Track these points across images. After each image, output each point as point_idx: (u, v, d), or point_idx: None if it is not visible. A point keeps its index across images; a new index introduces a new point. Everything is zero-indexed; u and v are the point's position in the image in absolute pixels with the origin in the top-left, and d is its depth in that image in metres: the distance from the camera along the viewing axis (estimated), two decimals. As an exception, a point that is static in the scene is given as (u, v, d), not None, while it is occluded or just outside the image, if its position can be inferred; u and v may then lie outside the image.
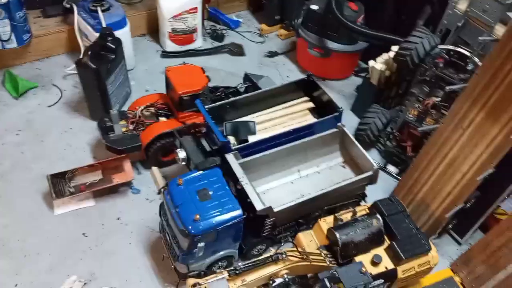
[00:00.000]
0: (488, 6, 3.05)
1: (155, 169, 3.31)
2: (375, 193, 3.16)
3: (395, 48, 3.54)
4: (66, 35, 4.12)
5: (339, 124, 3.06)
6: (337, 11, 3.70)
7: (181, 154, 2.97)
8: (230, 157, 2.75)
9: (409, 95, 3.39)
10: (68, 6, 3.96)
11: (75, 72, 3.65)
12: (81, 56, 3.74)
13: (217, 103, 3.15)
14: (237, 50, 4.46)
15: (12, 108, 3.70)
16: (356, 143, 3.00)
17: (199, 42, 4.44)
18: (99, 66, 3.33)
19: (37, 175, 3.23)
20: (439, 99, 3.17)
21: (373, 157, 3.26)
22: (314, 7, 4.02)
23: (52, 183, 3.04)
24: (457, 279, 2.74)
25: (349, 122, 3.76)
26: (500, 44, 2.52)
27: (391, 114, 3.62)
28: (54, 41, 4.12)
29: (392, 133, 3.55)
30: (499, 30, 3.01)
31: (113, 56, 3.47)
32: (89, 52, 3.36)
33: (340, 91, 4.21)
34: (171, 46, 4.34)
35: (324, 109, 3.24)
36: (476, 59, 3.05)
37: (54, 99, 3.80)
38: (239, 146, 2.89)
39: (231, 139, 3.05)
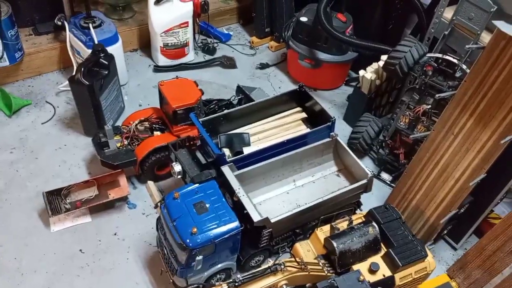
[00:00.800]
0: (473, 14, 3.12)
1: (150, 183, 3.32)
2: (370, 201, 3.20)
3: (384, 57, 3.60)
4: (58, 52, 4.13)
5: (332, 133, 3.09)
6: (326, 23, 3.76)
7: (177, 167, 2.98)
8: (225, 169, 2.77)
9: (399, 103, 3.44)
10: (59, 23, 3.97)
11: (68, 88, 3.66)
12: (74, 73, 3.76)
13: (211, 116, 3.18)
14: (228, 63, 4.50)
15: (5, 126, 3.69)
16: (350, 152, 3.03)
17: (191, 56, 4.48)
18: (92, 82, 3.35)
19: (32, 192, 3.22)
20: (429, 106, 3.22)
21: (366, 165, 3.31)
22: (303, 19, 4.08)
23: (47, 200, 3.04)
24: (454, 284, 2.76)
25: (342, 131, 3.81)
26: (486, 52, 2.58)
27: (383, 122, 3.67)
28: (46, 59, 4.13)
29: (384, 141, 3.59)
30: (485, 37, 3.08)
31: (106, 72, 3.49)
32: (82, 69, 3.37)
33: (332, 101, 4.26)
34: (163, 61, 4.37)
35: (317, 119, 3.28)
36: (464, 66, 3.11)
37: (48, 116, 3.80)
38: (234, 158, 2.91)
39: (226, 151, 3.08)
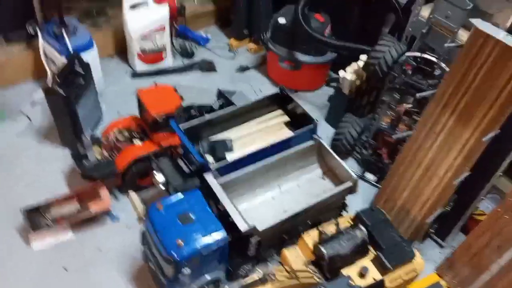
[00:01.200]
0: (450, 12, 3.13)
1: (133, 194, 3.23)
2: (355, 201, 3.19)
3: (363, 57, 3.60)
4: (32, 60, 4.00)
5: (315, 136, 3.08)
6: (305, 24, 3.74)
7: (159, 178, 2.90)
8: (209, 177, 2.72)
9: (380, 103, 3.44)
10: (32, 31, 3.85)
11: (43, 98, 3.55)
12: (48, 82, 3.66)
13: (192, 123, 3.11)
14: (208, 67, 4.43)
15: (-21, 140, 3.57)
16: (333, 154, 3.02)
17: (169, 60, 4.40)
18: (68, 92, 3.25)
19: (11, 208, 3.09)
20: (410, 105, 3.23)
21: (350, 166, 3.28)
22: (281, 20, 4.04)
23: (28, 217, 2.94)
24: (443, 283, 2.78)
25: (325, 132, 3.79)
26: (464, 50, 2.60)
27: (365, 122, 3.66)
28: (19, 68, 4.00)
29: (367, 141, 3.59)
30: (463, 35, 3.10)
31: (82, 81, 3.40)
32: (57, 79, 3.27)
33: (313, 102, 4.22)
34: (141, 66, 4.28)
35: (299, 121, 3.25)
36: (442, 65, 3.13)
37: (23, 127, 3.67)
38: (217, 165, 2.86)
39: (209, 158, 3.03)
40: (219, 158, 3.03)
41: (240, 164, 2.89)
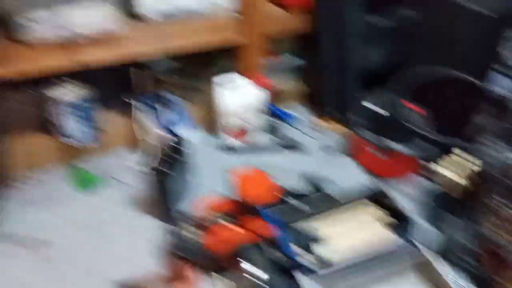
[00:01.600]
0: None
1: (218, 279, 3.18)
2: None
3: (459, 152, 3.46)
4: (129, 130, 4.21)
5: (415, 242, 2.93)
6: (403, 119, 3.68)
7: (254, 270, 2.85)
8: (306, 282, 2.64)
9: (483, 207, 3.23)
10: (130, 102, 4.09)
11: (138, 168, 3.67)
12: (140, 152, 3.82)
13: (286, 212, 3.09)
14: (295, 146, 4.44)
15: (76, 204, 3.68)
16: (436, 266, 2.83)
17: (260, 138, 4.45)
18: (168, 169, 3.36)
19: (100, 281, 3.06)
20: (518, 214, 3.01)
21: (455, 279, 2.98)
22: (371, 106, 4.00)
23: (119, 295, 2.97)
24: None
25: (423, 233, 3.51)
26: None
27: (471, 228, 3.27)
28: (115, 135, 4.21)
29: (475, 251, 3.28)
30: None
31: (181, 158, 3.52)
32: (158, 155, 3.41)
33: (406, 193, 4.04)
34: (233, 143, 4.37)
35: (393, 215, 3.13)
36: (557, 173, 2.92)
37: (120, 196, 3.76)
38: (322, 272, 2.77)
39: (301, 252, 2.95)
40: (307, 250, 2.96)
41: (339, 268, 2.80)
